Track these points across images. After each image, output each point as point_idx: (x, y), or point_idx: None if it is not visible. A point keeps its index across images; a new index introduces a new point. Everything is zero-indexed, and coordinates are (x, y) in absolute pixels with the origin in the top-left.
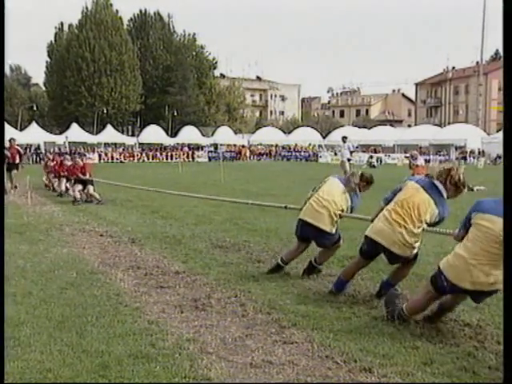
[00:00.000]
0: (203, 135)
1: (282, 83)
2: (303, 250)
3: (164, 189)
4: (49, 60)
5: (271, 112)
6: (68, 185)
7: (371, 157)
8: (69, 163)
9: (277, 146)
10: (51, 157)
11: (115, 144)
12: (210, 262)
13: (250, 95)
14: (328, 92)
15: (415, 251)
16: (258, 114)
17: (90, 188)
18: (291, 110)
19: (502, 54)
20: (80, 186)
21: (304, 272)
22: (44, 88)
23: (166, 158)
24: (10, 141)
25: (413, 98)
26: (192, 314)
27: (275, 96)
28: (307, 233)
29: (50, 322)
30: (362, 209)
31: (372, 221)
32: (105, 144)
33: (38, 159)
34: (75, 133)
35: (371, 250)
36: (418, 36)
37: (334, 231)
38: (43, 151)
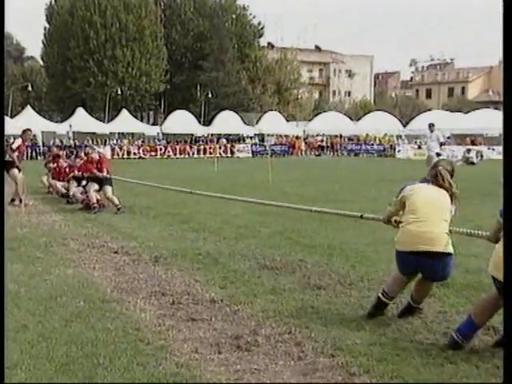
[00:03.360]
0: (245, 123)
1: (349, 54)
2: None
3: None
4: (47, 26)
5: (334, 92)
6: (74, 186)
7: (468, 150)
8: (77, 161)
9: (341, 136)
10: (50, 156)
11: (132, 134)
12: (256, 288)
13: (307, 70)
14: (410, 65)
15: None
16: (316, 95)
17: (108, 190)
18: (361, 89)
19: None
20: (96, 186)
21: (401, 314)
22: (41, 62)
23: (198, 153)
24: (24, 132)
25: None
26: (233, 355)
27: (340, 71)
28: (424, 265)
29: (51, 364)
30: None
31: (495, 241)
32: (119, 135)
33: (33, 154)
34: (81, 120)
35: None
36: None
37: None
38: (40, 144)
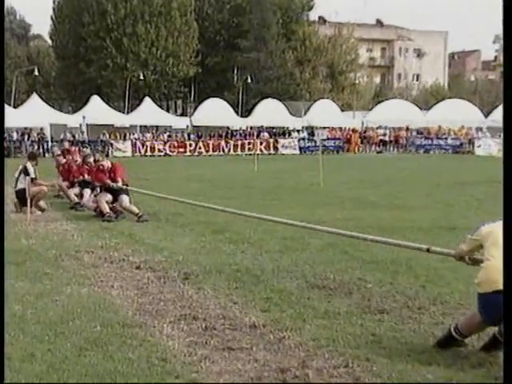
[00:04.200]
0: (292, 114)
1: (418, 30)
2: None
3: (231, 196)
4: (57, 0)
5: (400, 76)
6: (87, 194)
7: None
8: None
9: (408, 129)
10: (61, 151)
11: (157, 128)
12: (305, 311)
13: (367, 50)
14: (494, 42)
15: None
16: (378, 79)
17: (124, 200)
18: (432, 72)
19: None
20: (109, 196)
21: (485, 348)
22: (50, 42)
23: (234, 149)
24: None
25: None
26: None
27: (406, 50)
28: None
29: None
30: None
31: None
32: (141, 128)
33: (41, 150)
34: (97, 110)
35: None
36: None
37: None
38: (49, 138)
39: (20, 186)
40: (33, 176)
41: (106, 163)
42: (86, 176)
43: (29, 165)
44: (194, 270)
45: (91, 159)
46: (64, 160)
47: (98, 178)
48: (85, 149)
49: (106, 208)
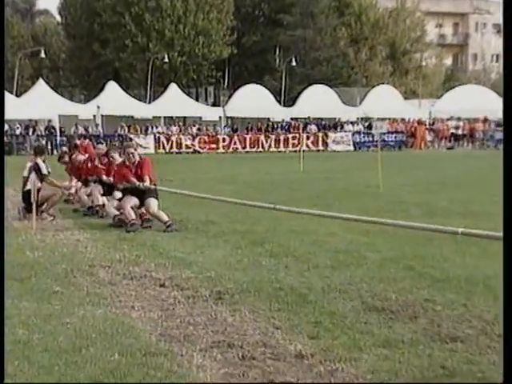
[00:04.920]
0: (344, 102)
1: (498, 0)
2: None
3: (272, 200)
4: None
5: (475, 56)
6: (114, 200)
7: None
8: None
9: (486, 120)
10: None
11: (184, 120)
12: (362, 339)
13: (436, 25)
14: None
15: None
16: (449, 60)
17: (152, 204)
18: None
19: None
20: (134, 200)
21: None
22: (58, 18)
23: (276, 145)
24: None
25: None
26: None
27: (484, 26)
28: None
29: None
30: None
31: None
32: (166, 119)
33: (49, 147)
34: (113, 99)
35: None
36: None
37: None
38: (57, 132)
39: (30, 186)
40: (45, 172)
41: (135, 157)
42: (105, 176)
43: (39, 161)
44: (228, 288)
45: (116, 154)
46: (83, 157)
47: (120, 175)
48: (99, 145)
49: (131, 215)
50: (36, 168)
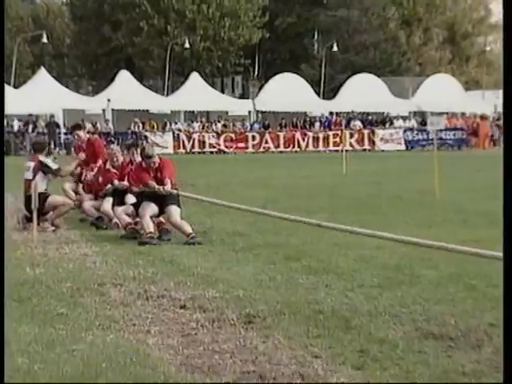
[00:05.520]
0: (394, 94)
1: None
2: None
3: (310, 209)
4: None
5: None
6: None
7: None
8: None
9: None
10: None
11: (207, 114)
12: (416, 370)
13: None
14: None
15: None
16: None
17: (174, 212)
18: None
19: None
20: (154, 208)
21: None
22: None
23: (315, 144)
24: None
25: None
26: None
27: None
28: None
29: None
30: None
31: None
32: (186, 114)
33: (51, 145)
34: (126, 91)
35: None
36: None
37: None
38: (62, 129)
39: (38, 190)
40: (56, 166)
41: (155, 158)
42: (117, 181)
43: (42, 157)
44: (259, 310)
45: (135, 155)
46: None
47: (137, 178)
48: (112, 145)
49: (149, 226)
50: (41, 166)
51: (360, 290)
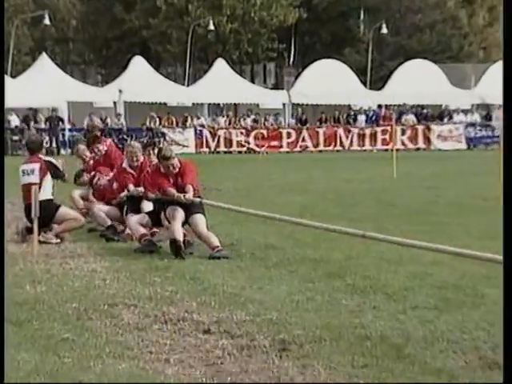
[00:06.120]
0: (454, 84)
1: None
2: None
3: (355, 217)
4: None
5: None
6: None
7: None
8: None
9: None
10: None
11: (235, 107)
12: None
13: None
14: None
15: None
16: None
17: (200, 221)
18: None
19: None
20: (183, 215)
21: None
22: None
23: (360, 142)
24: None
25: None
26: None
27: None
28: None
29: None
30: None
31: None
32: (210, 108)
33: (52, 143)
34: (141, 80)
35: None
36: None
37: None
38: (66, 124)
39: (43, 195)
40: (61, 168)
41: (175, 162)
42: (132, 186)
43: (49, 158)
44: (295, 335)
45: (151, 156)
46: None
47: (154, 184)
48: (132, 142)
49: (180, 233)
50: (49, 169)
51: (413, 312)
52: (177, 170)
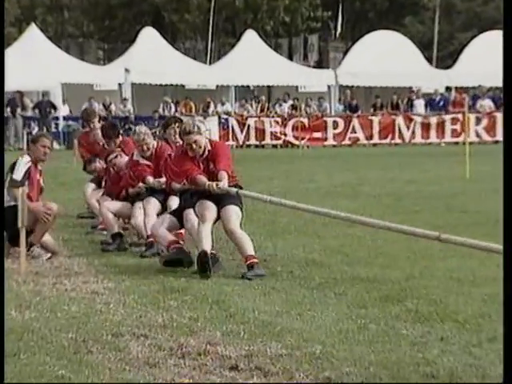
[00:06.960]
0: None
1: None
2: None
3: (419, 226)
4: None
5: None
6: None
7: None
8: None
9: None
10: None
11: (268, 90)
12: None
13: None
14: None
15: None
16: None
17: (233, 214)
18: None
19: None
20: (213, 214)
21: None
22: None
23: (424, 134)
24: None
25: None
26: None
27: None
28: None
29: None
30: None
31: None
32: (238, 91)
33: (52, 132)
34: (152, 58)
35: None
36: None
37: None
38: (61, 112)
39: (8, 201)
40: (17, 177)
41: (205, 141)
42: (151, 177)
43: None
44: (344, 373)
45: (172, 136)
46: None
47: (180, 172)
48: (138, 127)
49: (209, 245)
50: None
51: (491, 345)
52: (206, 153)
